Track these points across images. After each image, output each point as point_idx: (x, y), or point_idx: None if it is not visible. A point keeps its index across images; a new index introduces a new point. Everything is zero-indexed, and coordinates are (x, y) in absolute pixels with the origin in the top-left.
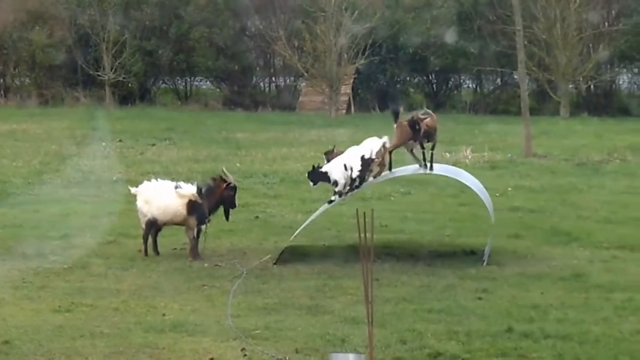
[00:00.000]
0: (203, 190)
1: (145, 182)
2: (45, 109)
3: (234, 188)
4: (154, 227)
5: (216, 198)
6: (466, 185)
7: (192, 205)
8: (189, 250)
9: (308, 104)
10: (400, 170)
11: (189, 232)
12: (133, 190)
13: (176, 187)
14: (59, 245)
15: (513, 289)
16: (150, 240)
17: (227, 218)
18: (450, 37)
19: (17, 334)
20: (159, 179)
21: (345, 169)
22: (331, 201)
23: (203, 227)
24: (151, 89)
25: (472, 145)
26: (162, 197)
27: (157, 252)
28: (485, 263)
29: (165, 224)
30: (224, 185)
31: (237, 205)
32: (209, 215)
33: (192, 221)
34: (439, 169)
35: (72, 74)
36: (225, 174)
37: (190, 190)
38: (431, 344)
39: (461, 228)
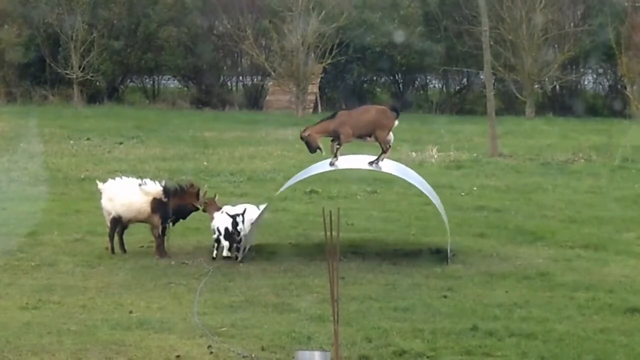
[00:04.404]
0: (171, 190)
1: (110, 180)
2: (14, 107)
3: (197, 209)
4: (119, 224)
5: (179, 202)
6: (412, 184)
7: (156, 204)
8: (155, 248)
9: (275, 103)
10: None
11: (154, 230)
12: (100, 185)
13: (140, 185)
14: (27, 242)
15: (478, 288)
16: (116, 238)
17: (172, 223)
18: (399, 37)
19: None
20: (123, 177)
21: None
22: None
23: (170, 225)
24: (119, 87)
25: (438, 145)
26: (126, 194)
27: (123, 250)
28: (450, 261)
29: (130, 221)
30: (194, 199)
31: (185, 219)
32: (173, 216)
33: (156, 219)
34: (390, 166)
35: (40, 72)
36: (202, 193)
37: (155, 188)
38: (396, 342)
39: (426, 227)
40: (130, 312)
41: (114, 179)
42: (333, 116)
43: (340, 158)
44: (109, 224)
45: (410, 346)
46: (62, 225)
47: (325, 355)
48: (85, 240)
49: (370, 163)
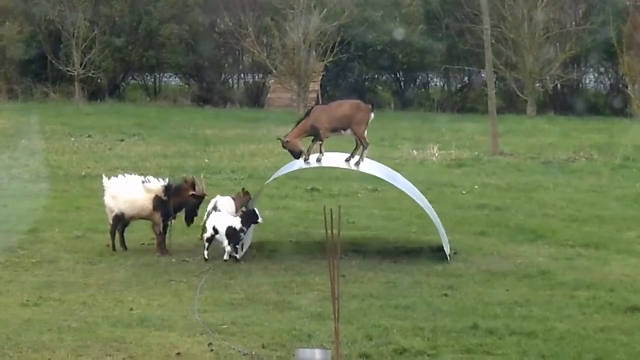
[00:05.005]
0: (172, 188)
1: (112, 178)
2: (15, 104)
3: (199, 198)
4: (121, 221)
5: (179, 199)
6: (401, 190)
7: (157, 201)
8: (157, 245)
9: (276, 101)
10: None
11: (155, 227)
12: (105, 181)
13: (143, 182)
14: (27, 239)
15: (479, 286)
16: (117, 235)
17: (186, 222)
18: (400, 35)
19: None
20: (125, 175)
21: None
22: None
23: (171, 222)
24: (120, 84)
25: (439, 143)
26: (129, 192)
27: (124, 247)
28: (450, 259)
29: (133, 218)
30: (191, 191)
31: (196, 215)
32: (175, 213)
33: (158, 217)
34: (376, 169)
35: (41, 69)
36: (198, 181)
37: (157, 186)
38: (397, 340)
39: (427, 225)
40: (131, 309)
41: (117, 176)
42: (307, 114)
43: (325, 154)
44: (111, 221)
45: (411, 344)
46: (62, 222)
47: (326, 353)
48: (85, 238)
49: (357, 164)
